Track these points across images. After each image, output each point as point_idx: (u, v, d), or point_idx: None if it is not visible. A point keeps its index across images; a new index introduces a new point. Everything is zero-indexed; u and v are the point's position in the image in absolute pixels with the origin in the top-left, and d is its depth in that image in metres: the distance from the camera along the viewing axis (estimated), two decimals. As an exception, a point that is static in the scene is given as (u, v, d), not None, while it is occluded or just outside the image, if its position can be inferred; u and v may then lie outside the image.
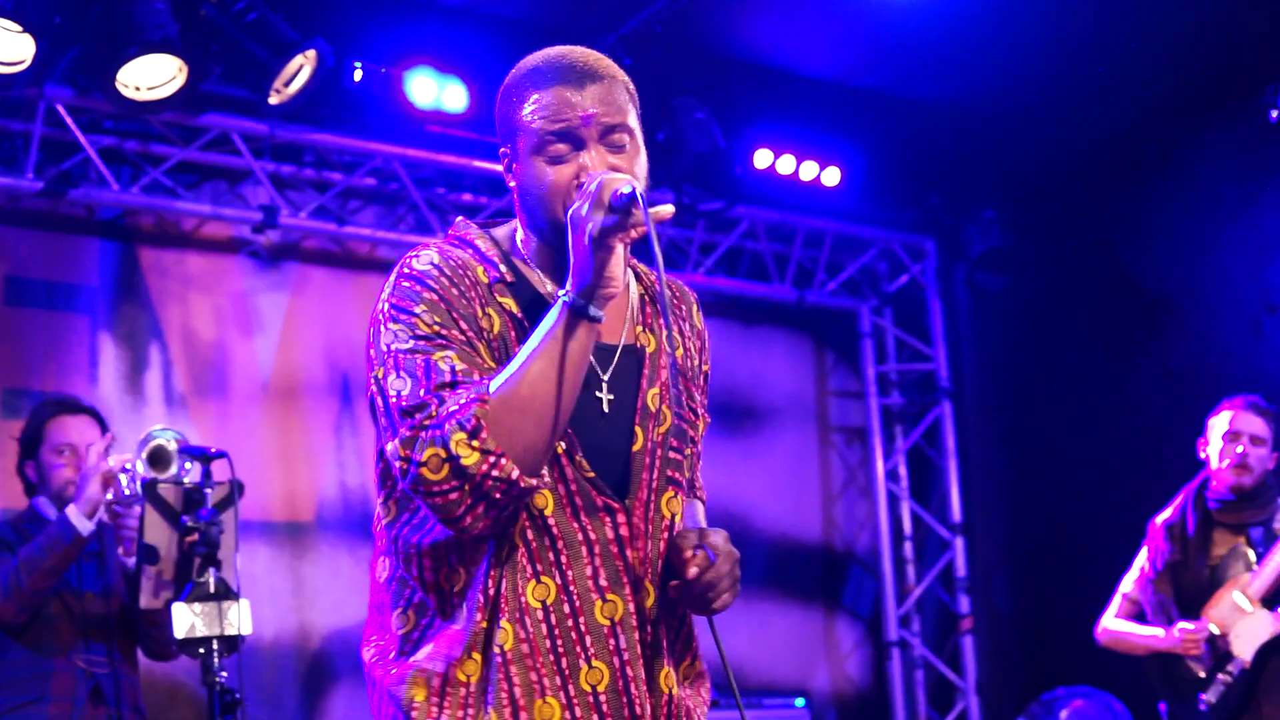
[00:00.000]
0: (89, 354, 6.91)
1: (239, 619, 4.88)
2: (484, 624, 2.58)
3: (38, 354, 6.79)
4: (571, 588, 2.61)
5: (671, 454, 2.74)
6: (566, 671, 2.60)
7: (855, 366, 9.18)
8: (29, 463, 5.43)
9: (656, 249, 2.51)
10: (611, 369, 2.71)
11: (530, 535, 2.60)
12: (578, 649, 2.60)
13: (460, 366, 2.52)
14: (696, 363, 2.90)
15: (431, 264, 2.63)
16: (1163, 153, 8.34)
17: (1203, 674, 5.85)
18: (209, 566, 4.89)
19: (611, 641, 2.63)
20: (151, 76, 6.42)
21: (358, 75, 7.03)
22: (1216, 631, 5.80)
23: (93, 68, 6.48)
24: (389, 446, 2.53)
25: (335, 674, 7.17)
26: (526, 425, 2.48)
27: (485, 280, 2.66)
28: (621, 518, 2.65)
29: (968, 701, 8.71)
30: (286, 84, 6.70)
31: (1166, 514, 6.12)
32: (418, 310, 2.58)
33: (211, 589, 4.86)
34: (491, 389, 2.48)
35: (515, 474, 2.46)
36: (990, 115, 8.08)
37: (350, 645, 7.07)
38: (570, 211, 2.54)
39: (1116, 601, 6.28)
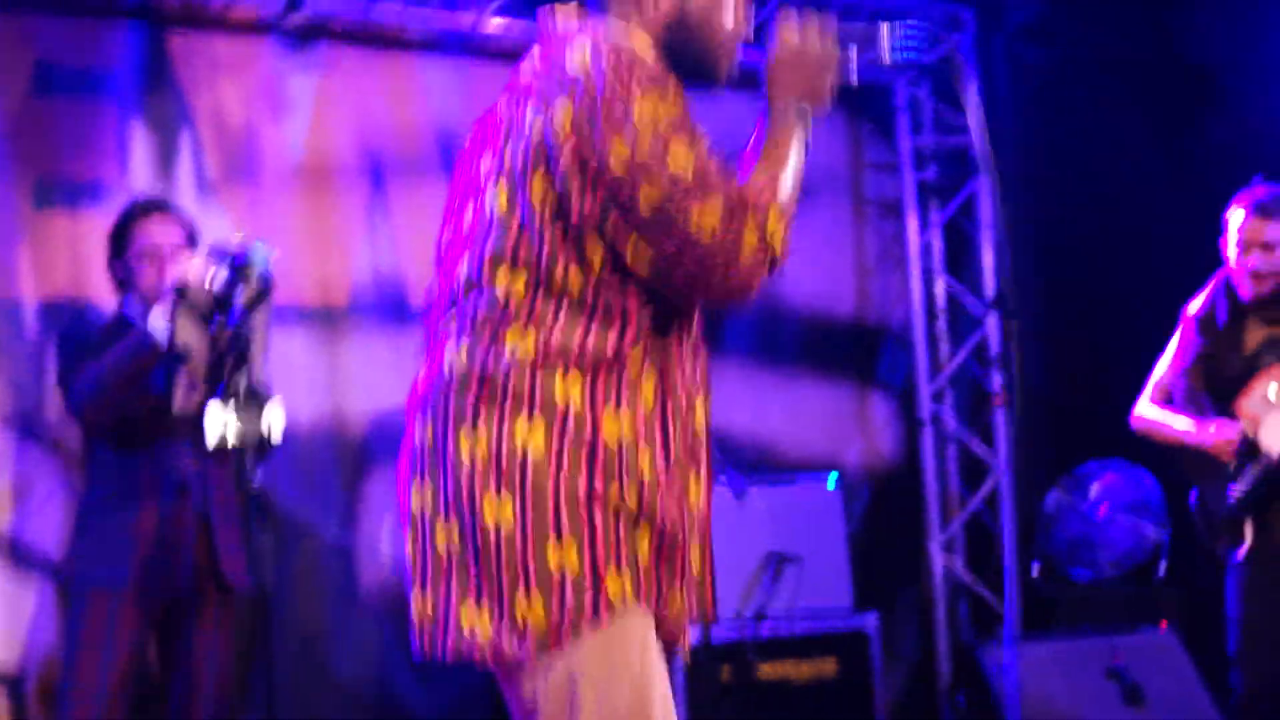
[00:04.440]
0: (119, 141, 6.87)
1: (272, 420, 4.92)
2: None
3: (68, 142, 6.75)
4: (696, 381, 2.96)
5: None
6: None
7: (890, 139, 9.05)
8: (116, 263, 5.51)
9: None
10: None
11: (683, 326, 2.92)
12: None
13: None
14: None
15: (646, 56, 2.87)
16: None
17: (1234, 466, 5.85)
18: (240, 368, 4.92)
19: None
20: None
21: None
22: (1249, 428, 5.78)
23: None
24: (698, 219, 2.68)
25: (373, 457, 7.25)
26: (790, 211, 2.82)
27: None
28: None
29: (999, 477, 8.76)
30: None
31: (1197, 303, 6.05)
32: (666, 85, 2.77)
33: (243, 390, 4.90)
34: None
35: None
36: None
37: (386, 429, 7.13)
38: (799, 42, 2.92)
39: (1150, 388, 6.24)
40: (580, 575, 2.67)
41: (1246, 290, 5.83)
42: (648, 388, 2.81)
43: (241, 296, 5.01)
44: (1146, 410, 6.20)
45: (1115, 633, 7.51)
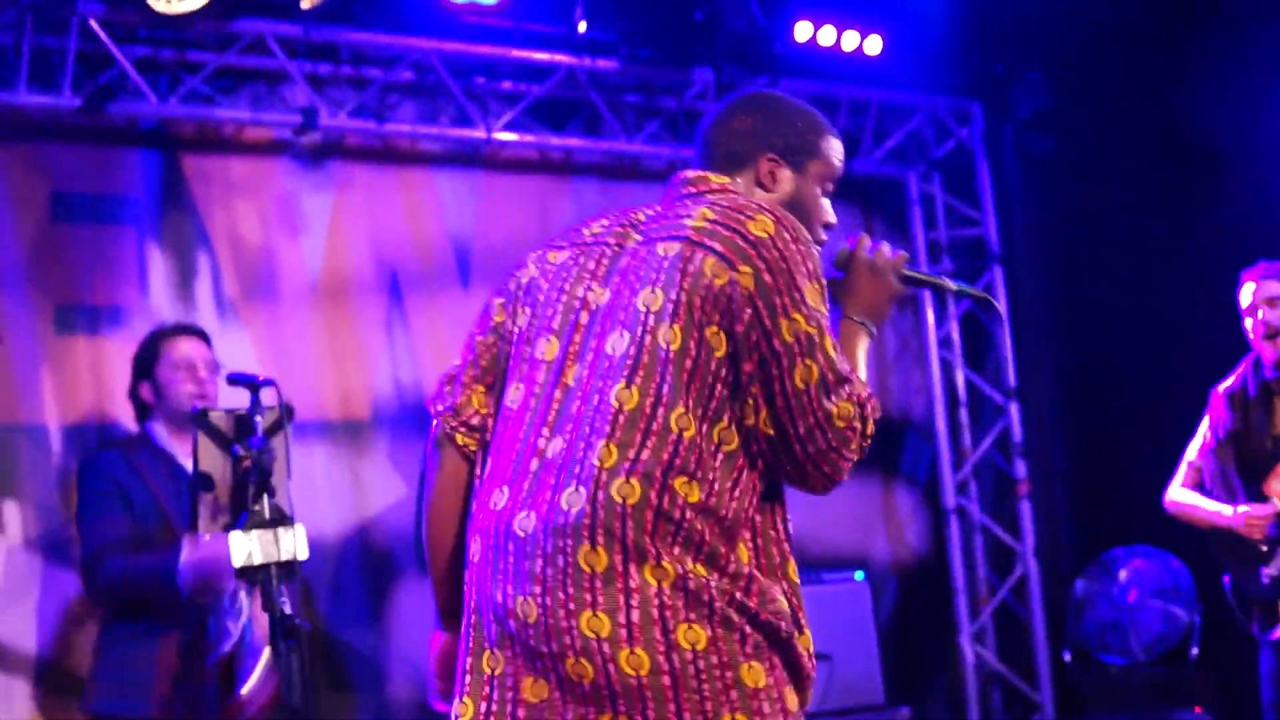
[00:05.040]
0: (138, 265, 6.95)
1: (295, 545, 4.94)
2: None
3: (87, 268, 6.84)
4: None
5: None
6: None
7: (905, 234, 9.07)
8: (144, 383, 5.51)
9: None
10: None
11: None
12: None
13: None
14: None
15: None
16: (1211, 3, 8.17)
17: (1265, 548, 5.85)
18: (263, 494, 4.93)
19: None
20: (182, -12, 6.39)
21: (389, -30, 6.99)
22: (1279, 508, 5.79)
23: (123, -19, 6.46)
24: (837, 408, 2.89)
25: (398, 568, 7.27)
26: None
27: None
28: None
29: (1027, 565, 8.75)
30: (318, -15, 6.66)
31: (1228, 382, 6.08)
32: (824, 283, 3.00)
33: (267, 516, 4.91)
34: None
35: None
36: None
37: (412, 539, 7.16)
38: (874, 259, 3.21)
39: (1182, 470, 6.26)
40: (769, 691, 2.87)
41: (1269, 354, 5.89)
42: (770, 531, 2.97)
43: (261, 423, 5.04)
44: (1178, 494, 6.22)
45: (1150, 717, 7.45)
